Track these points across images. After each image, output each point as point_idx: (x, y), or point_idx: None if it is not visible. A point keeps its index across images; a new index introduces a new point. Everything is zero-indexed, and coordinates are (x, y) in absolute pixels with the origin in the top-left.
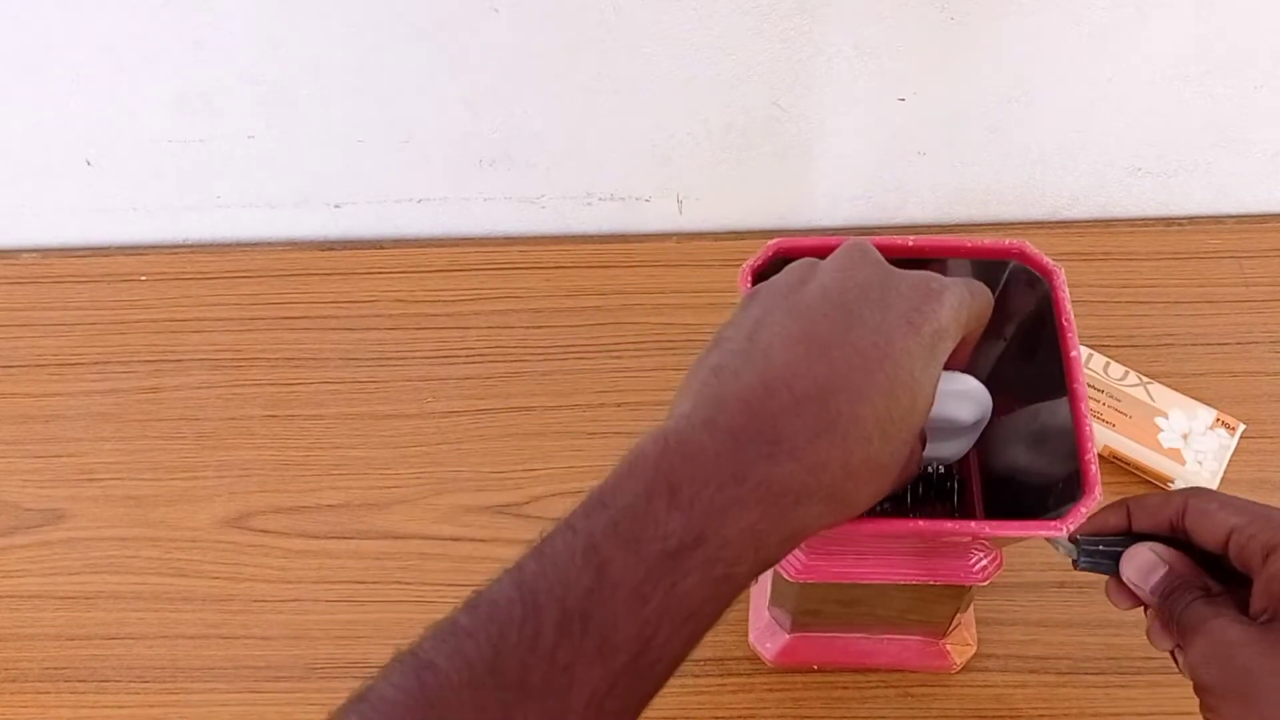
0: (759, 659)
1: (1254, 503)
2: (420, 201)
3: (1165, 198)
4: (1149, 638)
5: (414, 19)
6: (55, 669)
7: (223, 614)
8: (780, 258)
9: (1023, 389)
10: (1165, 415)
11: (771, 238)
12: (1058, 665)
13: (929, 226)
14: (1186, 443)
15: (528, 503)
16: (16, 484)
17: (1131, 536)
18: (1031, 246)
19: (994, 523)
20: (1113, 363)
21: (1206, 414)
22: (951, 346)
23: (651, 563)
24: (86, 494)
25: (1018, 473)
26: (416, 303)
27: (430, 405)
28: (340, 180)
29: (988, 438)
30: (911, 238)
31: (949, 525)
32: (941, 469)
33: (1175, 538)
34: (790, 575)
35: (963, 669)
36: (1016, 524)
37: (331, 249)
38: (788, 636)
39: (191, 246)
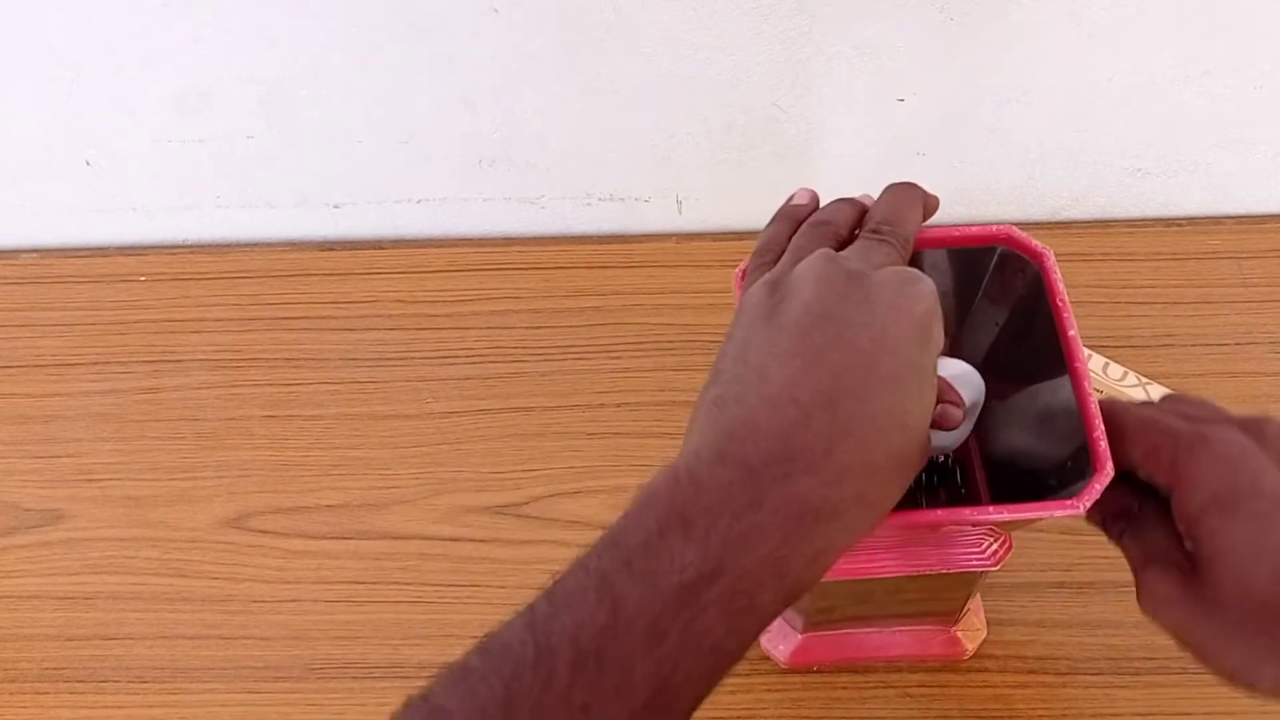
0: (767, 660)
1: (1155, 411)
2: (420, 202)
3: (1165, 198)
4: None
5: (414, 19)
6: (54, 669)
7: (222, 614)
8: None
9: (1018, 373)
10: None
11: None
12: (1056, 666)
13: (928, 226)
14: None
15: (527, 503)
16: (15, 484)
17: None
18: (1019, 231)
19: (1013, 506)
20: (1112, 363)
21: None
22: (942, 327)
23: (668, 597)
24: (85, 494)
25: (1019, 456)
26: (416, 303)
27: (430, 406)
28: (340, 180)
29: (987, 423)
30: None
31: (968, 512)
32: (942, 457)
33: None
34: None
35: (962, 669)
36: (1035, 506)
37: (331, 249)
38: (800, 637)
39: (191, 247)
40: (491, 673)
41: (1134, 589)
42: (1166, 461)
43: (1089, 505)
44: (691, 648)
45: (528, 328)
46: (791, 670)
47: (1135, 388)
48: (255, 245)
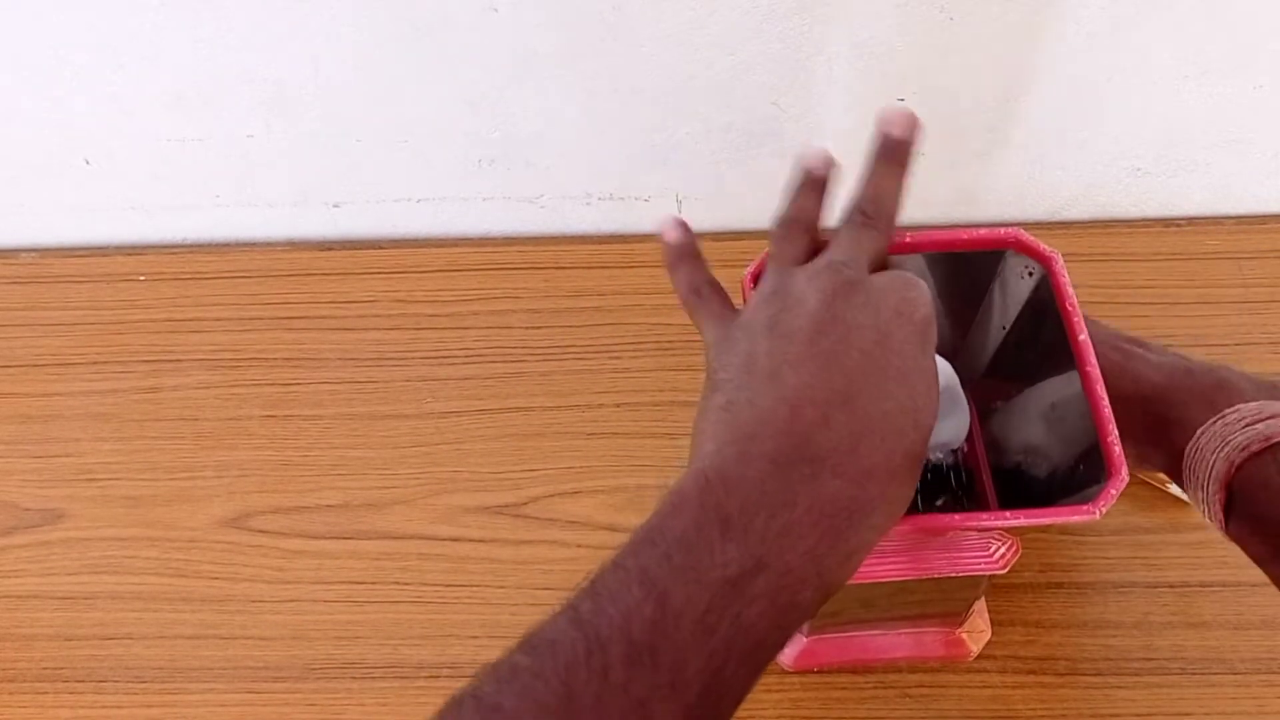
0: (783, 668)
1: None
2: (419, 201)
3: (1165, 198)
4: None
5: (413, 18)
6: (53, 669)
7: (221, 614)
8: None
9: (1025, 375)
10: None
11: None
12: (1056, 666)
13: (928, 226)
14: None
15: (526, 503)
16: (15, 484)
17: None
18: (1026, 234)
19: (1029, 511)
20: None
21: None
22: (936, 329)
23: (714, 591)
24: (85, 494)
25: (1027, 456)
26: (415, 303)
27: (429, 405)
28: (339, 180)
29: (993, 424)
30: (909, 233)
31: (984, 517)
32: (950, 460)
33: None
34: None
35: (961, 670)
36: (1051, 511)
37: (330, 249)
38: (805, 640)
39: (190, 246)
40: (544, 669)
41: (1132, 587)
42: None
43: (1104, 510)
44: (739, 643)
45: (527, 327)
46: (793, 672)
47: None
48: (255, 245)
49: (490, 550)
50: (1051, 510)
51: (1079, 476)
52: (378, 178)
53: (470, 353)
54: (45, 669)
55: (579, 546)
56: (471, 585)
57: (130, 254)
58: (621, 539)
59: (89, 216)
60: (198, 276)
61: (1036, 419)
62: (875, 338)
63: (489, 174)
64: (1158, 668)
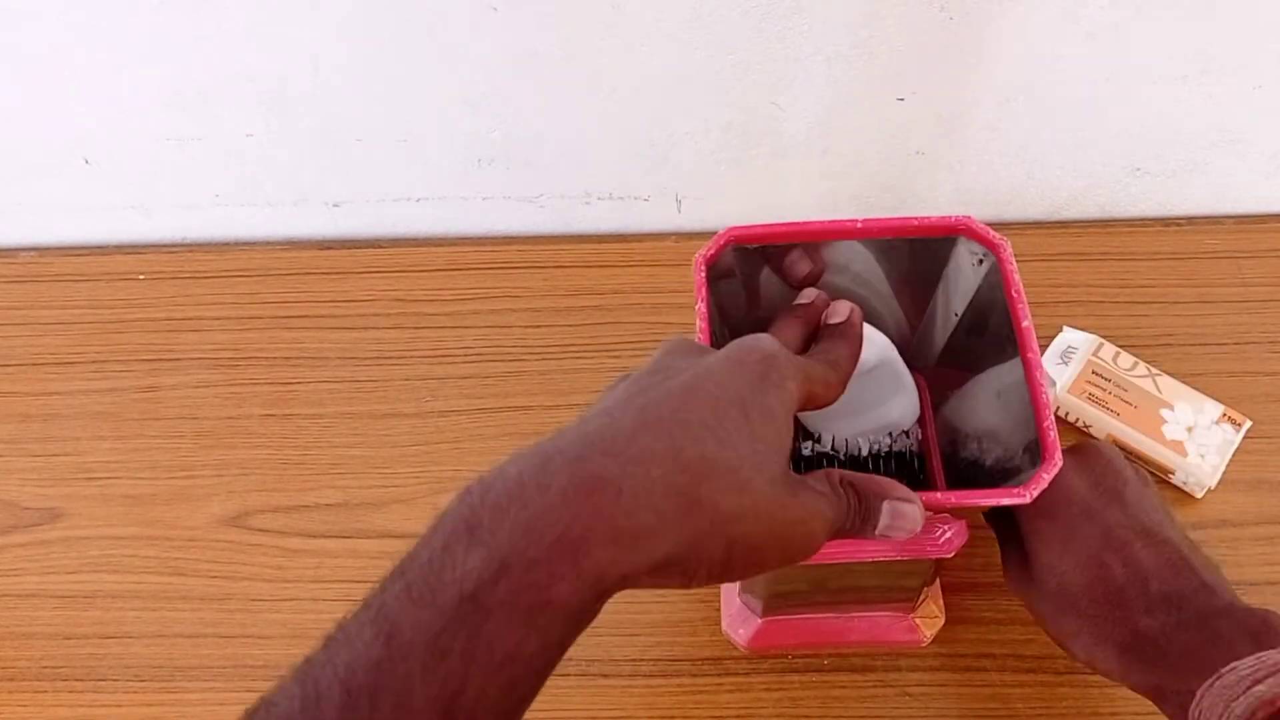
0: (765, 658)
1: None
2: (419, 200)
3: (1164, 198)
4: None
5: (413, 17)
6: (53, 668)
7: (220, 613)
8: (733, 245)
9: (977, 363)
10: (1171, 407)
11: None
12: (1055, 665)
13: (888, 217)
14: (1190, 436)
15: None
16: (14, 483)
17: None
18: (978, 220)
19: (960, 492)
20: (1123, 352)
21: (1213, 408)
22: (786, 376)
23: (448, 612)
24: (84, 493)
25: (978, 446)
26: (415, 302)
27: (429, 404)
28: (339, 179)
29: (947, 413)
30: (860, 219)
31: (920, 497)
32: (903, 446)
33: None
34: None
35: (961, 669)
36: (983, 492)
37: (330, 248)
38: (760, 621)
39: (190, 245)
40: None
41: None
42: None
43: (1036, 494)
44: (480, 659)
45: (527, 326)
46: (755, 655)
47: (1145, 378)
48: (254, 244)
49: None
50: (983, 492)
51: (1024, 463)
52: (378, 177)
53: (470, 352)
54: (45, 668)
55: None
56: None
57: (129, 253)
58: None
59: (88, 216)
60: (197, 276)
61: (985, 406)
62: (690, 376)
63: (489, 173)
64: None
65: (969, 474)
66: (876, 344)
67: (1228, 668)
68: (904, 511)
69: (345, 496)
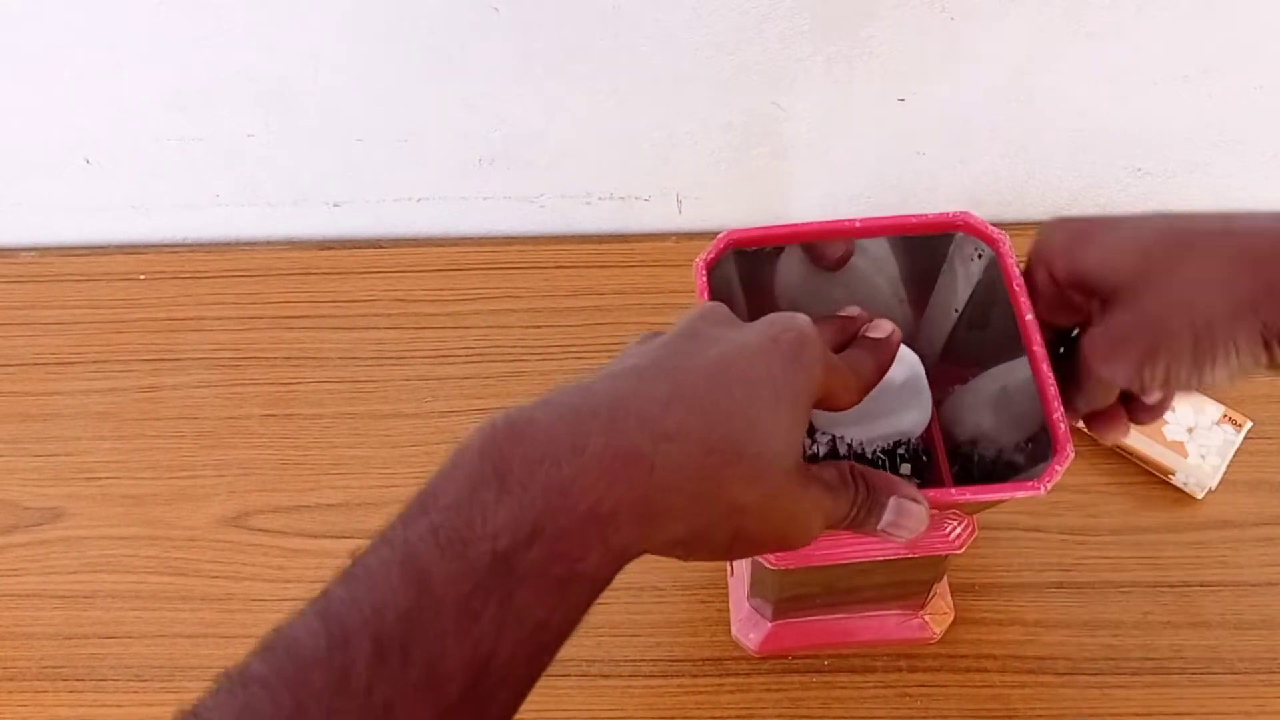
0: (766, 658)
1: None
2: (419, 200)
3: (1164, 198)
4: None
5: (414, 18)
6: (53, 668)
7: (221, 613)
8: (733, 249)
9: (978, 358)
10: (1171, 408)
11: None
12: (1055, 666)
13: (886, 215)
14: (1191, 436)
15: None
16: (15, 483)
17: None
18: (976, 216)
19: (975, 488)
20: None
21: (1214, 409)
22: (817, 358)
23: (481, 570)
24: (85, 493)
25: (981, 438)
26: (415, 302)
27: (429, 405)
28: (339, 179)
29: (948, 407)
30: (859, 219)
31: (931, 494)
32: (906, 445)
33: None
34: (770, 563)
35: (961, 669)
36: (997, 487)
37: (330, 248)
38: (770, 625)
39: (190, 245)
40: (274, 677)
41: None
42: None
43: (1049, 487)
44: (512, 626)
45: (527, 327)
46: (764, 657)
47: None
48: (255, 244)
49: None
50: (999, 487)
51: (1027, 459)
52: (378, 177)
53: (470, 352)
54: (45, 667)
55: None
56: None
57: (130, 253)
58: None
59: (89, 215)
60: (198, 275)
61: (988, 402)
62: (721, 349)
63: (489, 174)
64: (1158, 667)
65: (970, 470)
66: (906, 362)
67: None
68: (910, 510)
69: (346, 497)
